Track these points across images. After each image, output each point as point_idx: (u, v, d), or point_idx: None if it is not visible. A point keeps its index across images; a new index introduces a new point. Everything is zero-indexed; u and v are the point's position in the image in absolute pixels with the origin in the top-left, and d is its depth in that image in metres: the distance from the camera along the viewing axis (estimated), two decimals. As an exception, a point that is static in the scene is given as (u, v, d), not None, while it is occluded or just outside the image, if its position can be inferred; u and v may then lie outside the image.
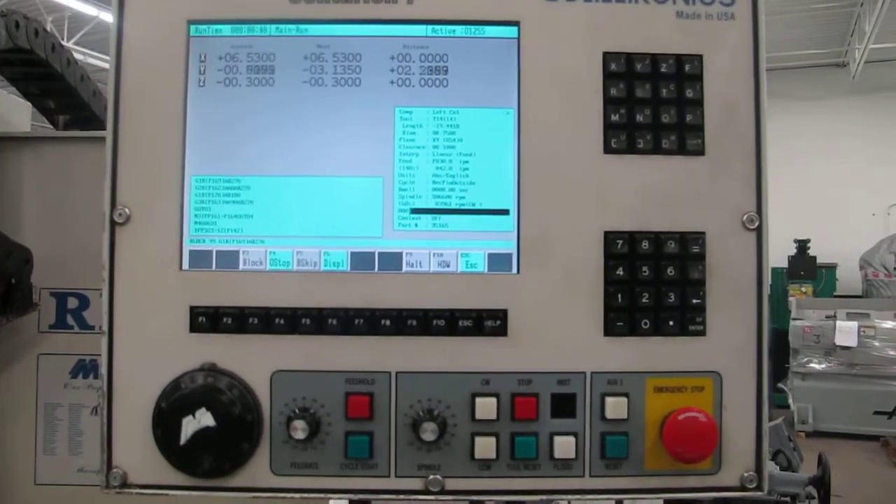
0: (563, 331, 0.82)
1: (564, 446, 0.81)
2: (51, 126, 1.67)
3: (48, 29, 1.50)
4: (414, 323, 0.81)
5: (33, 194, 1.44)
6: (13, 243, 1.34)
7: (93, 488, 1.37)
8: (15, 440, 1.41)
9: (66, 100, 1.61)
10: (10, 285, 1.37)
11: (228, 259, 0.82)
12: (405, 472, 0.82)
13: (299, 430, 0.79)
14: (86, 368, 1.41)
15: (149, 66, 0.84)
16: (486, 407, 0.81)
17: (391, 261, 0.82)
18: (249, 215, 0.82)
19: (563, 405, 0.82)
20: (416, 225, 0.83)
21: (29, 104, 1.66)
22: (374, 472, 0.82)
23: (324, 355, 0.82)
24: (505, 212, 0.83)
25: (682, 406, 0.81)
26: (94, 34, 7.59)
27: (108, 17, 7.31)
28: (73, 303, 1.43)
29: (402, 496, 0.82)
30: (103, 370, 0.81)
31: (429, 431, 0.80)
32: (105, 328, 0.81)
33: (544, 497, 0.83)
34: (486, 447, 0.81)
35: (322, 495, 0.82)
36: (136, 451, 0.81)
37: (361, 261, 0.82)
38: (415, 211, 0.83)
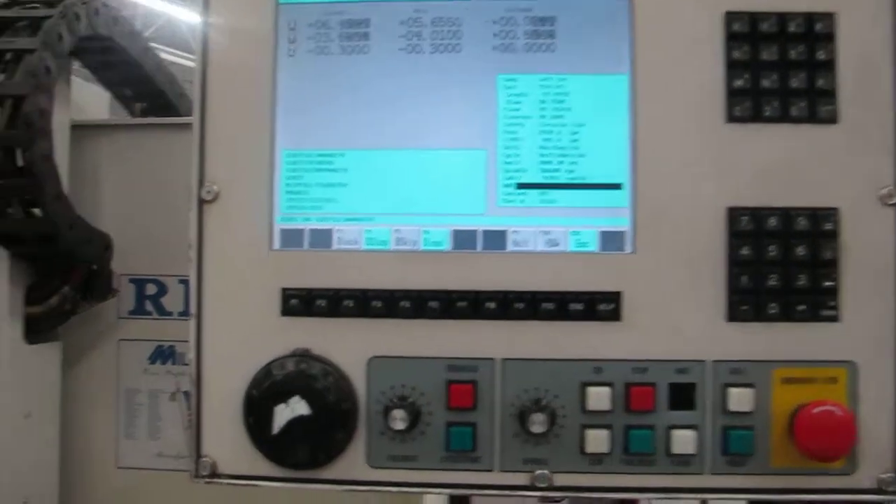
0: (681, 315, 0.74)
1: (683, 441, 0.73)
2: (128, 114, 1.63)
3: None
4: (520, 306, 0.73)
5: (112, 181, 1.41)
6: (93, 230, 1.30)
7: (172, 473, 1.35)
8: (98, 424, 1.39)
9: (143, 87, 1.57)
10: (91, 271, 1.33)
11: (322, 238, 0.75)
12: (510, 467, 0.74)
13: (399, 420, 0.72)
14: (164, 354, 1.38)
15: (236, 37, 0.77)
16: (598, 397, 0.73)
17: (495, 239, 0.74)
18: (344, 192, 0.76)
19: (682, 396, 0.73)
20: (522, 201, 0.75)
21: (107, 93, 1.63)
22: (477, 466, 0.74)
23: (424, 340, 0.74)
24: (618, 186, 0.74)
25: (813, 399, 0.72)
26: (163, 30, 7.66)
27: (176, 13, 7.37)
28: (151, 289, 1.39)
29: (506, 492, 0.74)
30: (192, 355, 0.75)
31: (537, 423, 0.72)
32: (193, 311, 0.75)
33: (656, 496, 0.75)
34: (597, 440, 0.73)
35: (421, 490, 0.75)
36: (226, 440, 0.75)
37: (464, 239, 0.75)
38: (521, 186, 0.75)
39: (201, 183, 0.75)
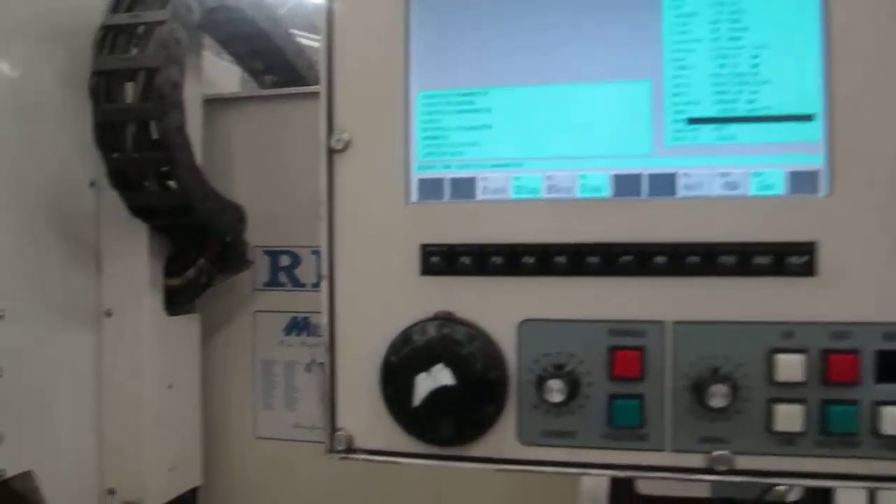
0: (890, 269, 0.60)
1: (895, 420, 0.60)
2: (259, 87, 1.60)
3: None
4: (695, 260, 0.62)
5: (244, 153, 1.39)
6: (226, 201, 1.27)
7: (308, 444, 1.32)
8: (236, 395, 1.39)
9: (273, 59, 1.53)
10: (226, 243, 1.31)
11: (464, 188, 0.66)
12: (684, 446, 0.63)
13: (555, 391, 0.62)
14: (299, 326, 1.36)
15: (364, -31, 0.68)
16: (789, 366, 0.61)
17: (664, 184, 0.63)
18: (488, 135, 0.66)
19: (893, 366, 0.60)
20: (694, 138, 0.63)
21: (238, 68, 1.60)
22: (645, 445, 0.64)
23: (582, 301, 0.64)
24: (809, 117, 0.61)
25: None
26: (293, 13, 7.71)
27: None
28: (285, 261, 1.36)
29: (679, 475, 0.63)
30: (325, 319, 0.68)
31: (718, 396, 0.60)
32: (325, 272, 0.67)
33: (860, 484, 0.62)
34: (789, 417, 0.61)
35: (579, 470, 0.65)
36: (363, 412, 0.68)
37: (627, 184, 0.64)
38: (692, 121, 0.63)
39: (330, 131, 0.67)
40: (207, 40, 1.40)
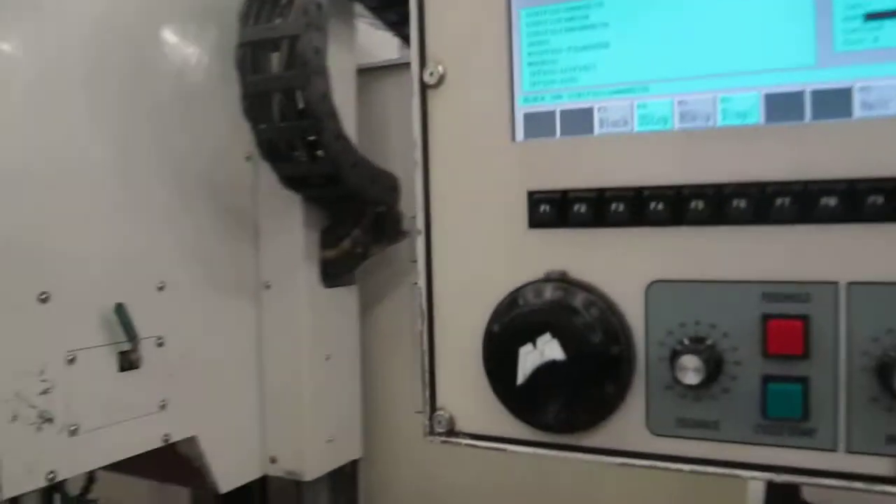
0: None
1: None
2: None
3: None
4: (877, 201, 0.46)
5: (399, 122, 1.34)
6: (377, 169, 1.22)
7: None
8: (395, 368, 1.35)
9: (423, 24, 1.45)
10: (380, 214, 1.25)
11: (579, 120, 0.54)
12: (863, 447, 0.48)
13: (691, 370, 0.49)
14: None
15: None
16: None
17: (834, 102, 0.48)
18: (605, 55, 0.54)
19: None
20: (874, 40, 0.47)
21: (395, 38, 1.55)
22: (810, 443, 0.49)
23: (727, 257, 0.50)
24: None
25: None
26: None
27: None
28: None
29: (857, 483, 0.48)
30: (421, 281, 0.58)
31: (911, 381, 0.45)
32: (420, 225, 0.58)
33: None
34: None
35: (724, 470, 0.51)
36: (466, 391, 0.58)
37: (783, 106, 0.49)
38: (871, 16, 0.47)
39: (423, 64, 0.58)
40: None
